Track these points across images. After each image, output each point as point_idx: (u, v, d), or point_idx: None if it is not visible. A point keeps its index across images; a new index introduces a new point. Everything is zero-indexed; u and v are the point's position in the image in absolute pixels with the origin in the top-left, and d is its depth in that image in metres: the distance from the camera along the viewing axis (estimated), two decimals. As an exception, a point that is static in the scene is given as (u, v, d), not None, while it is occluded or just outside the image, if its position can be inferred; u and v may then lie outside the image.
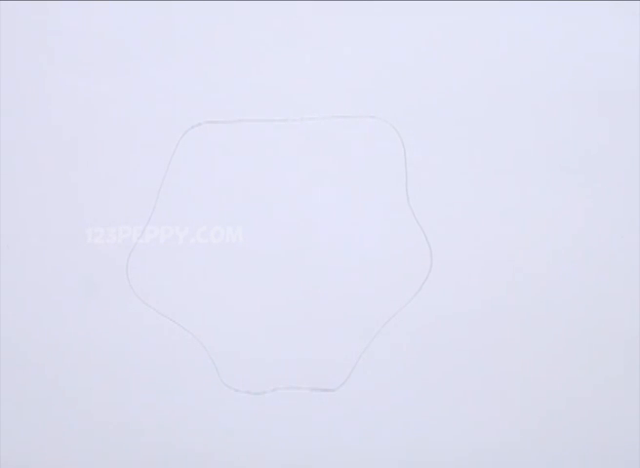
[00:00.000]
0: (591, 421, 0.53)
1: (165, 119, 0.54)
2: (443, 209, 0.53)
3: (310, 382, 0.55)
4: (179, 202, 0.54)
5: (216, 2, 0.53)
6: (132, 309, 0.55)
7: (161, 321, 0.55)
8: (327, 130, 0.53)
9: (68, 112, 0.54)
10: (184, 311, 0.55)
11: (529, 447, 0.53)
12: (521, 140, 0.52)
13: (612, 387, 0.53)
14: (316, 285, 0.54)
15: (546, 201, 0.53)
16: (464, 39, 0.52)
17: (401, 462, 0.55)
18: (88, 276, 0.55)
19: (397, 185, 0.53)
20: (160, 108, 0.54)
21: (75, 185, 0.55)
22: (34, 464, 0.57)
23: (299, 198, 0.54)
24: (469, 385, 0.55)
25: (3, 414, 0.56)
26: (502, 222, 0.53)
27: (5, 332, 0.56)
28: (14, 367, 0.56)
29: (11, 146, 0.55)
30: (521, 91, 0.52)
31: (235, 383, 0.55)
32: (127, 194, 0.54)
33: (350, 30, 0.53)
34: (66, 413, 0.56)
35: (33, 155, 0.55)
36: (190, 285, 0.55)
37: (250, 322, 0.55)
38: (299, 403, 0.55)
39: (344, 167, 0.54)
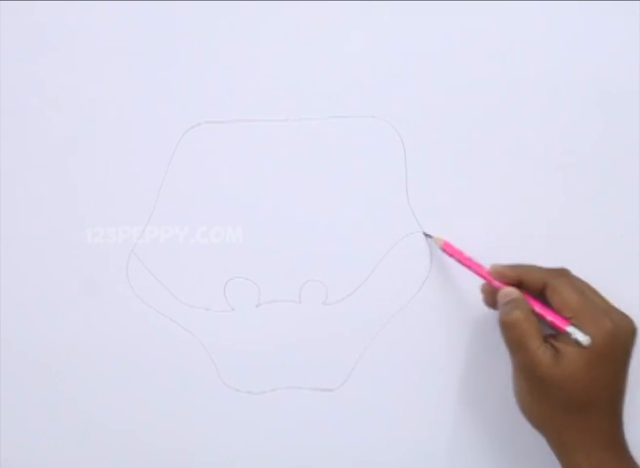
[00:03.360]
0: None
1: (165, 119, 0.54)
2: (443, 209, 0.53)
3: (310, 382, 0.55)
4: (179, 202, 0.54)
5: (216, 2, 0.53)
6: (132, 309, 0.55)
7: (161, 321, 0.55)
8: (327, 130, 0.53)
9: (68, 112, 0.54)
10: (184, 311, 0.55)
11: (528, 447, 0.53)
12: (521, 141, 0.52)
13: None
14: (316, 284, 0.54)
15: (546, 201, 0.53)
16: (465, 40, 0.52)
17: (401, 462, 0.55)
18: (88, 276, 0.55)
19: (397, 185, 0.53)
20: (160, 108, 0.54)
21: (75, 186, 0.55)
22: (34, 464, 0.57)
23: (298, 198, 0.54)
24: (469, 385, 0.55)
25: (3, 414, 0.56)
26: (502, 222, 0.53)
27: (5, 332, 0.56)
28: (14, 366, 0.56)
29: (11, 146, 0.55)
30: (521, 91, 0.52)
31: (235, 383, 0.55)
32: (127, 194, 0.54)
33: (350, 30, 0.53)
34: (66, 413, 0.56)
35: (33, 155, 0.55)
36: (190, 285, 0.55)
37: (250, 322, 0.55)
38: (299, 403, 0.55)
39: (344, 167, 0.54)
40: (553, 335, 0.48)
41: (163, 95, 0.54)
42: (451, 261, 0.52)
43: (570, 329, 0.47)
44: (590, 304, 0.48)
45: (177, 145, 0.54)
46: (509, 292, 0.49)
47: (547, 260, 0.50)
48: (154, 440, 0.56)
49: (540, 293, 0.49)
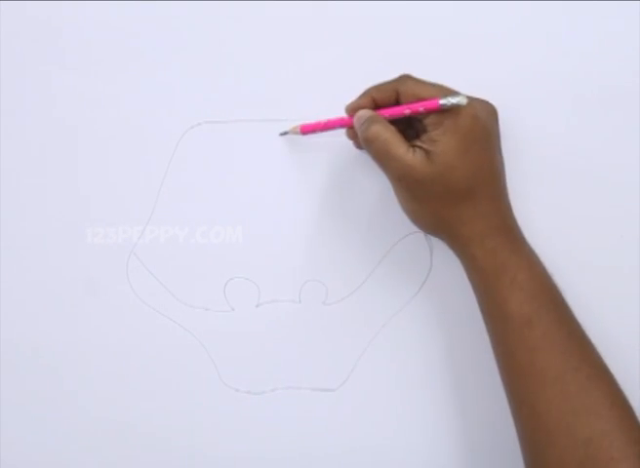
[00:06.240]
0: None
1: (165, 119, 0.54)
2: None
3: (310, 382, 0.55)
4: (179, 202, 0.55)
5: (216, 3, 0.53)
6: (132, 309, 0.55)
7: (161, 321, 0.55)
8: (327, 130, 0.53)
9: (69, 112, 0.54)
10: (184, 311, 0.55)
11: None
12: (520, 140, 0.52)
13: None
14: (316, 284, 0.54)
15: (546, 201, 0.53)
16: (465, 38, 0.52)
17: (401, 462, 0.55)
18: (88, 276, 0.55)
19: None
20: (160, 108, 0.54)
21: (76, 186, 0.55)
22: (34, 464, 0.57)
23: (298, 198, 0.54)
24: (469, 385, 0.55)
25: (3, 414, 0.56)
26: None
27: (5, 332, 0.56)
28: (14, 366, 0.56)
29: (12, 146, 0.55)
30: (521, 90, 0.52)
31: (235, 383, 0.55)
32: (127, 194, 0.55)
33: (350, 30, 0.53)
34: (66, 413, 0.56)
35: (34, 155, 0.55)
36: (190, 285, 0.55)
37: (250, 322, 0.55)
38: (298, 403, 0.55)
39: (344, 166, 0.54)
40: (416, 142, 0.47)
41: (163, 95, 0.54)
42: (451, 261, 0.52)
43: (442, 100, 0.46)
44: (443, 88, 0.48)
45: (177, 145, 0.54)
46: (362, 113, 0.49)
47: (547, 260, 0.50)
48: (154, 439, 0.56)
49: (397, 103, 0.49)
